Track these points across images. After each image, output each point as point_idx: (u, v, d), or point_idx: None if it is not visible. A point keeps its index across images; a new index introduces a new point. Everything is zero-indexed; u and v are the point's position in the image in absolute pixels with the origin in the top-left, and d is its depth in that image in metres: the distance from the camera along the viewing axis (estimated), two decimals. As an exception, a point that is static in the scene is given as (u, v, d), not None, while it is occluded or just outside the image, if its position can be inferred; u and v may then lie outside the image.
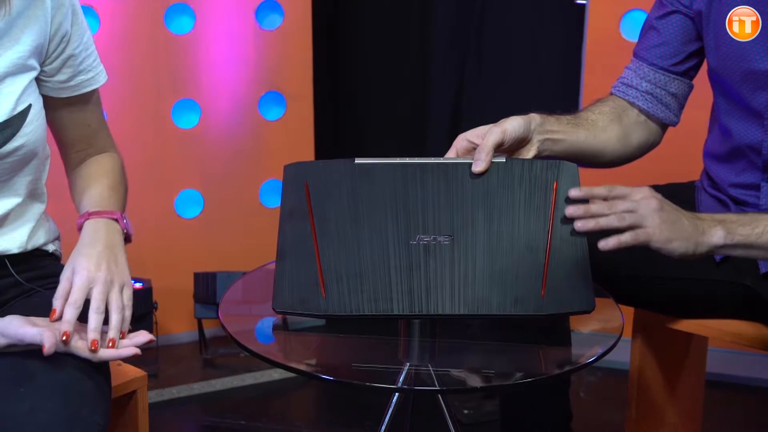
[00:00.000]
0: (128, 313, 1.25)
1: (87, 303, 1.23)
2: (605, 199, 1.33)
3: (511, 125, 1.47)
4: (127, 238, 1.38)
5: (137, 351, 1.21)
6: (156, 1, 2.66)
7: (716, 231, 1.34)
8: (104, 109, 2.63)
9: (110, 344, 1.21)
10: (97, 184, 1.44)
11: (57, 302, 1.21)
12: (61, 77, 1.37)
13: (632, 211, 1.30)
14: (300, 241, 1.34)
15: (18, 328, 1.17)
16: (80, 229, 1.34)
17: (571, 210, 1.32)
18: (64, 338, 1.17)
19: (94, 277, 1.24)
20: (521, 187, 1.39)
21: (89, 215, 1.35)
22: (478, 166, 1.39)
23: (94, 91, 1.45)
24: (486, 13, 3.06)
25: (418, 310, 1.29)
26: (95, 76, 1.42)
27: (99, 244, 1.30)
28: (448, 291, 1.30)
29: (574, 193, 1.34)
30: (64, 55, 1.36)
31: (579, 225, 1.31)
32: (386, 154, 1.44)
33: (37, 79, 1.36)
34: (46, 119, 1.39)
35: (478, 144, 1.44)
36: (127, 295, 1.27)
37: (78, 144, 1.47)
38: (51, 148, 1.46)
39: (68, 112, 1.43)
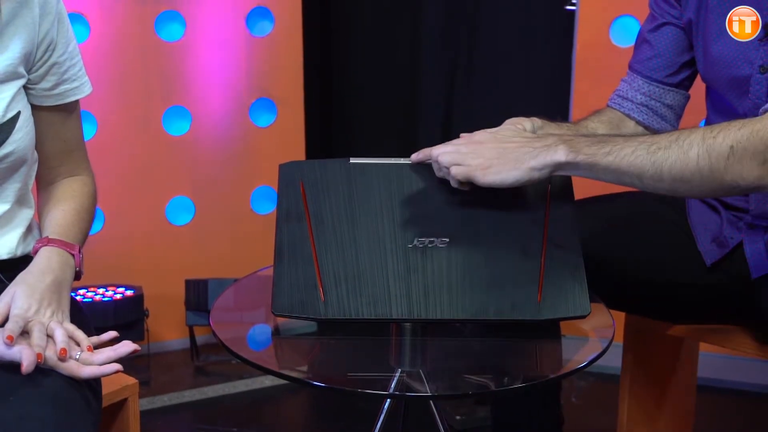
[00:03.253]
0: (79, 333, 1.22)
1: None
2: None
3: (527, 125, 1.48)
4: (77, 276, 1.34)
5: (119, 367, 1.18)
6: (147, 8, 2.66)
7: (559, 149, 1.34)
8: (95, 116, 2.64)
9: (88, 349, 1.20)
10: (62, 207, 1.40)
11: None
12: (45, 85, 1.37)
13: (452, 152, 1.36)
14: (297, 244, 1.34)
15: None
16: (35, 252, 1.31)
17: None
18: (39, 360, 1.14)
19: (30, 317, 1.20)
20: (516, 191, 1.39)
21: (48, 241, 1.32)
22: None
23: (76, 105, 1.43)
24: (477, 18, 3.07)
25: (417, 315, 1.29)
26: (80, 86, 1.41)
27: (48, 277, 1.26)
28: (446, 296, 1.30)
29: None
30: (48, 63, 1.36)
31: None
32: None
33: (24, 87, 1.36)
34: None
35: None
36: (68, 327, 1.23)
37: (51, 159, 1.43)
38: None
39: (48, 124, 1.40)
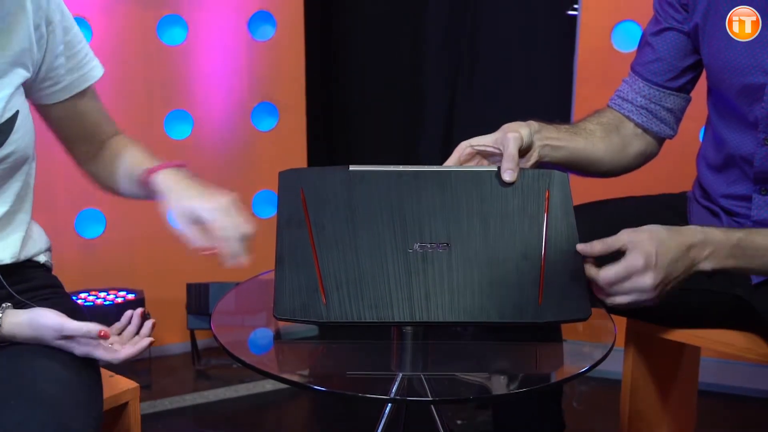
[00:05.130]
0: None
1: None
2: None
3: (525, 131, 1.48)
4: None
5: (151, 339, 1.27)
6: (149, 11, 2.66)
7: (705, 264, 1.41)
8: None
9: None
10: (132, 152, 1.48)
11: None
12: (45, 84, 1.39)
13: (629, 293, 1.36)
14: (298, 249, 1.34)
15: (55, 317, 1.22)
16: (148, 182, 1.40)
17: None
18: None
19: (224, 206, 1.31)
20: (514, 195, 1.40)
21: (156, 168, 1.40)
22: (509, 176, 1.41)
23: (91, 89, 1.46)
24: (478, 24, 3.07)
25: (419, 317, 1.29)
26: (86, 73, 1.43)
27: (194, 184, 1.37)
28: (447, 298, 1.31)
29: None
30: (46, 64, 1.38)
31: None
32: (380, 163, 1.45)
33: (31, 88, 1.37)
34: (48, 121, 1.44)
35: (481, 151, 1.46)
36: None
37: (86, 138, 1.48)
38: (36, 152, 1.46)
39: (67, 111, 1.44)
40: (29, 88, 1.39)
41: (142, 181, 1.40)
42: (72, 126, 1.46)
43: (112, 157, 1.49)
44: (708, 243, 1.40)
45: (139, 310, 1.29)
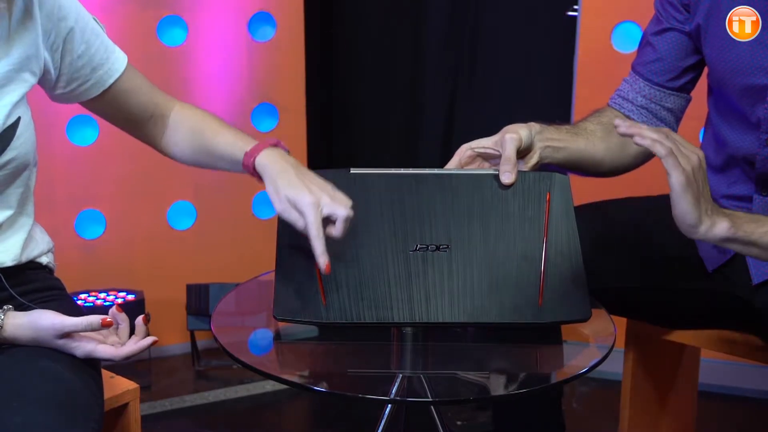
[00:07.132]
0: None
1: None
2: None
3: (524, 133, 1.48)
4: None
5: (155, 338, 1.25)
6: (149, 12, 2.66)
7: (722, 221, 1.28)
8: (97, 120, 2.64)
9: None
10: (214, 124, 1.50)
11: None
12: (73, 85, 1.41)
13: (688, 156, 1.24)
14: (299, 250, 1.35)
15: (54, 317, 1.21)
16: (253, 167, 1.38)
17: (621, 126, 1.24)
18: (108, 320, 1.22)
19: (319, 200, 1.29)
20: (515, 198, 1.40)
21: (254, 153, 1.38)
22: (507, 177, 1.41)
23: (123, 74, 1.47)
24: (478, 25, 3.07)
25: (419, 318, 1.30)
26: (110, 67, 1.44)
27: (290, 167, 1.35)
28: (447, 299, 1.31)
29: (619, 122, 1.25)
30: (69, 67, 1.38)
31: (637, 139, 1.23)
32: (379, 165, 1.45)
33: (57, 90, 1.40)
34: (99, 115, 1.47)
35: (481, 153, 1.46)
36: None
37: (144, 112, 1.51)
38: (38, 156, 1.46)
39: (109, 102, 1.46)
40: (59, 95, 1.42)
41: (244, 166, 1.40)
42: (120, 112, 1.48)
43: (193, 137, 1.52)
44: (727, 210, 1.33)
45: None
